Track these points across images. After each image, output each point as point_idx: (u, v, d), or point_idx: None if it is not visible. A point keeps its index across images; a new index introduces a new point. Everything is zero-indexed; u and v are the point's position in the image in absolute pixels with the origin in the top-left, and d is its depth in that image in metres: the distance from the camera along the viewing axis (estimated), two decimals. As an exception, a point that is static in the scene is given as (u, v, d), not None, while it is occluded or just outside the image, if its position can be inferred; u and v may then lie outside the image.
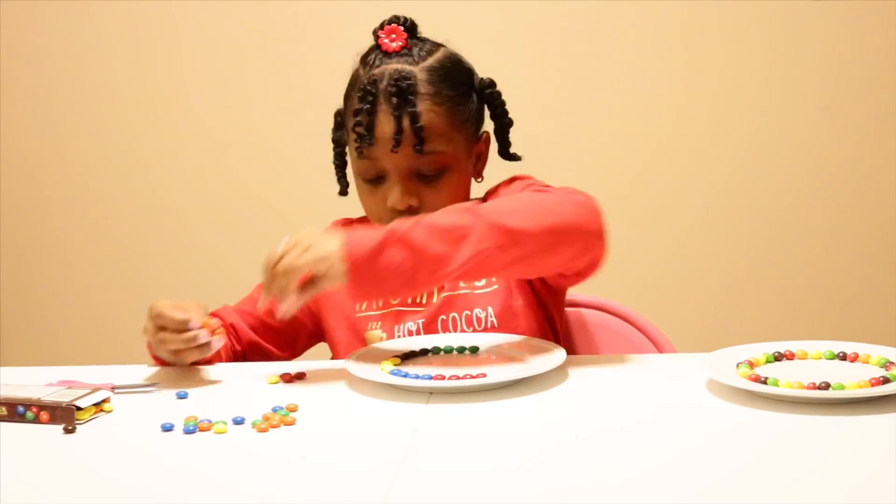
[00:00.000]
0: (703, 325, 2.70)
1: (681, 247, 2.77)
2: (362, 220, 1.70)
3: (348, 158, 1.68)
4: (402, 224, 1.38)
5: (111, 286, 2.91)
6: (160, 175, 2.87)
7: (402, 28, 1.61)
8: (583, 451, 1.16)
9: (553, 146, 2.68)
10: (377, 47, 1.62)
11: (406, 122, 1.55)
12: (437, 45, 1.64)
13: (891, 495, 0.99)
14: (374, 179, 1.60)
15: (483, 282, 1.60)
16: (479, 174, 1.67)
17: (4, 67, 2.86)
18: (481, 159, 1.67)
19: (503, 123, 1.69)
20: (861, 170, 2.75)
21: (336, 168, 1.72)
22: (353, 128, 1.58)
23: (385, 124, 1.56)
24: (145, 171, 2.87)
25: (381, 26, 1.63)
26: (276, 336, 1.67)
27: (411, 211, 1.57)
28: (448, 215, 1.39)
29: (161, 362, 1.53)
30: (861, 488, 1.02)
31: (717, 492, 1.03)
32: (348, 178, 1.70)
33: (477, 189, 1.68)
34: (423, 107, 1.56)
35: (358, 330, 1.62)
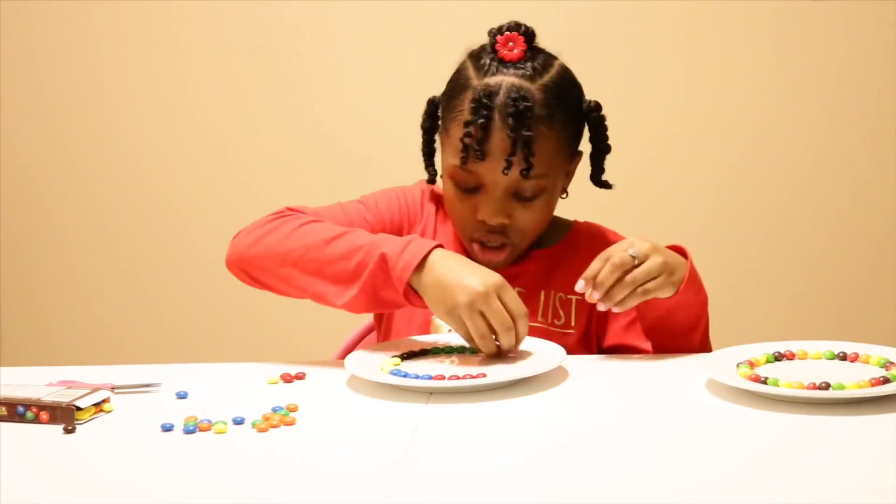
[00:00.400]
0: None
1: (681, 247, 2.76)
2: (441, 198, 1.65)
3: (437, 147, 1.64)
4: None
5: (111, 286, 2.91)
6: (160, 175, 2.87)
7: (523, 38, 1.56)
8: (583, 450, 1.16)
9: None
10: (493, 51, 1.56)
11: (520, 146, 1.51)
12: (552, 59, 1.59)
13: (891, 495, 1.00)
14: (470, 189, 1.57)
15: (563, 320, 1.60)
16: (565, 191, 1.64)
17: (4, 67, 2.86)
18: (570, 177, 1.64)
19: (601, 149, 1.65)
20: (861, 170, 2.75)
21: (424, 156, 1.67)
22: (462, 137, 1.53)
23: (498, 143, 1.52)
24: (145, 172, 2.87)
25: (500, 31, 1.57)
26: None
27: (500, 227, 1.56)
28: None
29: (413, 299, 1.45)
30: (861, 488, 1.02)
31: (717, 492, 1.03)
32: (436, 167, 1.66)
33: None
34: (537, 131, 1.52)
35: (417, 315, 1.59)
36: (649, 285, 1.43)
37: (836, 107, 2.73)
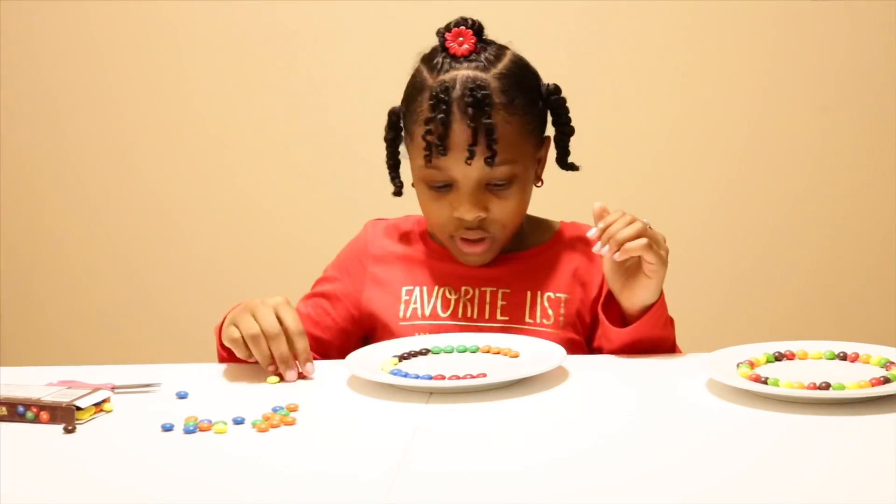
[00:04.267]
0: (703, 325, 2.70)
1: (680, 247, 2.75)
2: (399, 221, 1.68)
3: (401, 159, 1.66)
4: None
5: (111, 286, 2.91)
6: (160, 175, 2.87)
7: (471, 31, 1.57)
8: (582, 450, 1.16)
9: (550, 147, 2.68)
10: (443, 50, 1.58)
11: (481, 134, 1.52)
12: (504, 49, 1.60)
13: (891, 495, 0.99)
14: (441, 187, 1.57)
15: (552, 320, 1.60)
16: (538, 178, 1.64)
17: (4, 67, 2.86)
18: (541, 164, 1.64)
19: (565, 131, 1.65)
20: (861, 170, 2.75)
21: (389, 168, 1.67)
22: (423, 136, 1.54)
23: (459, 135, 1.53)
24: (145, 172, 2.87)
25: (448, 28, 1.58)
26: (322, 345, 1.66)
27: (478, 221, 1.57)
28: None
29: (229, 354, 1.50)
30: (861, 488, 1.02)
31: (717, 492, 1.03)
32: (402, 179, 1.67)
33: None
34: (497, 118, 1.53)
35: (400, 337, 1.60)
36: (656, 249, 1.47)
37: (836, 107, 2.73)
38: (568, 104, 1.64)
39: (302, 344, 1.43)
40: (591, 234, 1.49)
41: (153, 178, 2.87)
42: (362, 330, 1.66)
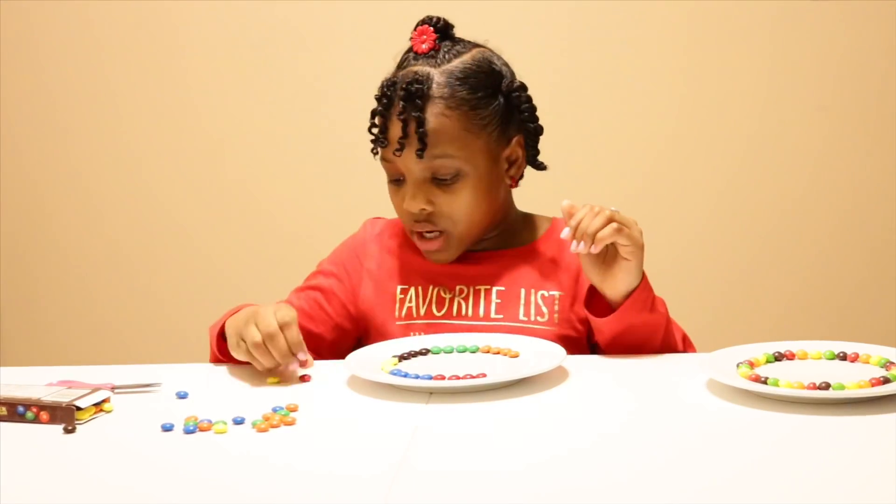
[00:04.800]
0: (703, 325, 2.70)
1: (680, 247, 2.77)
2: (397, 221, 1.68)
3: None
4: None
5: (111, 286, 2.91)
6: (160, 175, 2.87)
7: (433, 29, 1.59)
8: (582, 450, 1.16)
9: (553, 147, 2.68)
10: (410, 48, 1.61)
11: (411, 127, 1.54)
12: (470, 47, 1.61)
13: (891, 495, 0.99)
14: (396, 180, 1.60)
15: (546, 318, 1.60)
16: (512, 179, 1.64)
17: (4, 67, 2.86)
18: (515, 164, 1.63)
19: (528, 130, 1.64)
20: (861, 170, 2.75)
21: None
22: (369, 128, 1.59)
23: (394, 128, 1.56)
24: (145, 172, 2.87)
25: (416, 26, 1.61)
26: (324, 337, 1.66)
27: (425, 215, 1.58)
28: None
29: (226, 357, 1.51)
30: (861, 488, 1.02)
31: (717, 492, 1.03)
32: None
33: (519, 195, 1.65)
34: (433, 111, 1.54)
35: (395, 336, 1.60)
36: (625, 230, 1.48)
37: (836, 107, 2.73)
38: (534, 102, 1.64)
39: (290, 335, 1.42)
40: (565, 234, 1.50)
41: (153, 177, 2.87)
42: (356, 330, 1.67)
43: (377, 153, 1.60)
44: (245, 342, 1.43)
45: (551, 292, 1.62)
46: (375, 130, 1.59)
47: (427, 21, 1.61)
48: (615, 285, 1.51)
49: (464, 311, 1.61)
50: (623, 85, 2.73)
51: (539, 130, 1.65)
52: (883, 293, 2.77)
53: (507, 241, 1.66)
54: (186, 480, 1.11)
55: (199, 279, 2.85)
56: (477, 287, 1.62)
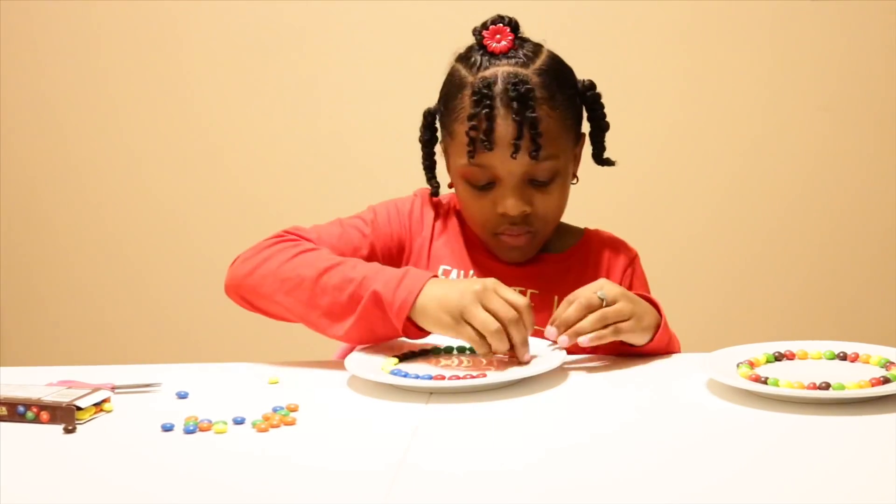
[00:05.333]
0: (703, 325, 2.70)
1: (680, 247, 2.77)
2: (447, 199, 1.68)
3: (438, 159, 1.66)
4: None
5: (111, 286, 2.91)
6: (160, 175, 2.87)
7: (508, 28, 1.57)
8: (583, 451, 1.16)
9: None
10: (481, 48, 1.58)
11: (526, 128, 1.52)
12: (539, 46, 1.60)
13: (891, 495, 0.99)
14: (485, 186, 1.57)
15: None
16: (574, 175, 1.64)
17: (4, 67, 2.86)
18: (577, 160, 1.65)
19: (601, 126, 1.65)
20: (861, 170, 2.75)
21: (426, 169, 1.68)
22: (467, 132, 1.54)
23: (504, 130, 1.52)
24: (145, 172, 2.87)
25: (485, 26, 1.58)
26: None
27: (523, 217, 1.56)
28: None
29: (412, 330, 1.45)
30: (861, 488, 1.02)
31: (717, 492, 1.03)
32: (438, 179, 1.68)
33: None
34: (540, 112, 1.53)
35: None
36: (621, 325, 1.44)
37: (837, 107, 2.73)
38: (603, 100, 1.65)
39: (528, 318, 1.40)
40: (549, 333, 1.45)
41: (153, 177, 2.87)
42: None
43: (473, 156, 1.54)
44: (471, 325, 1.38)
45: None
46: (474, 134, 1.53)
47: (499, 20, 1.58)
48: (633, 342, 1.48)
49: None
50: (623, 85, 2.73)
51: (607, 127, 1.66)
52: (883, 293, 2.77)
53: (547, 246, 1.66)
54: (186, 480, 1.11)
55: (199, 279, 2.86)
56: (514, 288, 1.61)
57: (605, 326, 1.43)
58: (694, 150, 2.76)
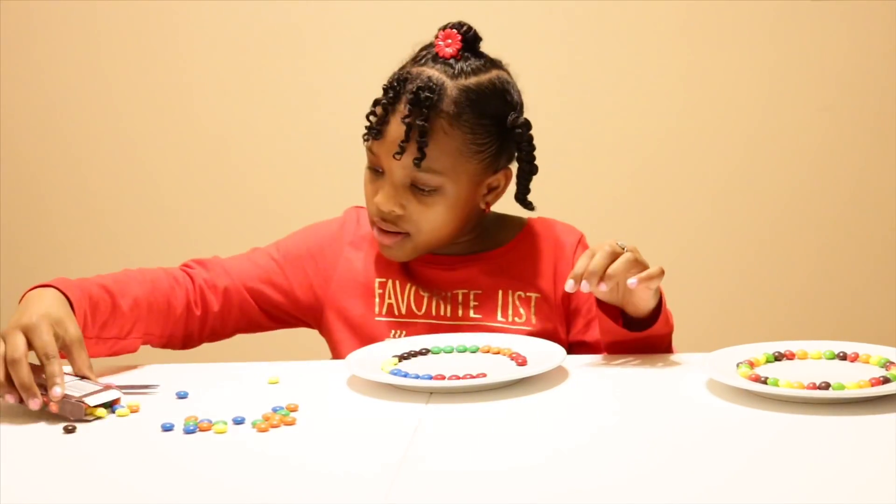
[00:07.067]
0: (703, 324, 2.70)
1: (680, 247, 2.77)
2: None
3: None
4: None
5: (111, 286, 2.91)
6: (160, 175, 2.87)
7: (461, 37, 1.56)
8: (583, 450, 1.16)
9: (553, 147, 2.68)
10: (431, 47, 1.57)
11: (414, 133, 1.51)
12: (491, 67, 1.57)
13: (891, 495, 1.00)
14: (376, 171, 1.57)
15: (524, 318, 1.60)
16: (487, 205, 1.61)
17: (4, 67, 2.86)
18: (494, 192, 1.61)
19: (524, 169, 1.61)
20: (861, 170, 2.75)
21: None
22: (367, 114, 1.56)
23: (395, 127, 1.53)
24: (145, 171, 2.87)
25: (444, 27, 1.57)
26: (274, 307, 1.65)
27: (394, 216, 1.55)
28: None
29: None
30: (861, 488, 1.03)
31: (716, 492, 1.03)
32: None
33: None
34: (437, 124, 1.51)
35: (373, 335, 1.59)
36: (652, 271, 1.43)
37: (837, 107, 2.73)
38: (535, 143, 1.60)
39: (54, 368, 1.30)
40: (569, 287, 1.43)
41: (153, 177, 2.87)
42: (312, 310, 1.64)
43: (368, 140, 1.56)
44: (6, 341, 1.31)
45: (528, 294, 1.61)
46: (374, 119, 1.55)
47: (457, 26, 1.56)
48: (636, 305, 1.48)
49: (442, 312, 1.60)
50: (624, 85, 2.73)
51: (534, 170, 1.62)
52: (883, 293, 2.77)
53: (481, 245, 1.65)
54: (186, 480, 1.11)
55: (199, 279, 2.85)
56: (454, 291, 1.61)
57: (632, 269, 1.42)
58: (695, 150, 2.76)
